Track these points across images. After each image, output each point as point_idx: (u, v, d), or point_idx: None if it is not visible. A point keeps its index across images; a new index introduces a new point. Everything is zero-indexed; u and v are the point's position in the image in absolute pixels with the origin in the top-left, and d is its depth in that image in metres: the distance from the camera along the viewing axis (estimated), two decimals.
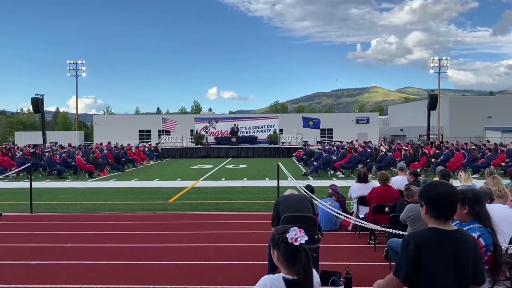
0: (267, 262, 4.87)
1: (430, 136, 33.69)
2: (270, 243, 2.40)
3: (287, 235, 2.24)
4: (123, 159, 22.82)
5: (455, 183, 8.03)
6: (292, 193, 5.56)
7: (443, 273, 2.25)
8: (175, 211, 10.37)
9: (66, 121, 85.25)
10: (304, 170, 20.01)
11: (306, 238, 2.24)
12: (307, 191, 7.46)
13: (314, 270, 2.36)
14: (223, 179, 17.47)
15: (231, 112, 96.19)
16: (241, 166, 23.94)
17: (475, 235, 2.92)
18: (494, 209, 4.48)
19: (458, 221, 3.21)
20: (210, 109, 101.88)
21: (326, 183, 14.85)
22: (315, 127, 35.68)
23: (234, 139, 34.06)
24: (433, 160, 19.56)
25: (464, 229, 2.75)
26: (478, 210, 3.18)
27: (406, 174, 8.23)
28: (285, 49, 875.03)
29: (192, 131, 39.00)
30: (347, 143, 27.42)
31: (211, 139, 36.08)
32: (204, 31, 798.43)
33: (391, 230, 5.26)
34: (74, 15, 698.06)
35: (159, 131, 44.31)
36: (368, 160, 19.82)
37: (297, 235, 2.23)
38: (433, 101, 31.76)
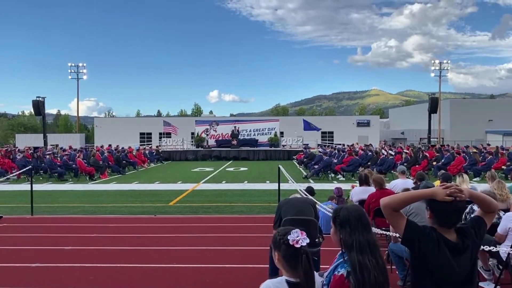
0: (268, 265, 4.86)
1: (431, 139, 33.66)
2: (271, 244, 2.38)
3: (288, 237, 2.22)
4: (124, 161, 22.82)
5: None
6: (295, 196, 5.58)
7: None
8: (176, 214, 10.36)
9: (67, 123, 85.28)
10: (304, 173, 20.00)
11: (308, 240, 2.22)
12: (307, 194, 7.47)
13: (316, 273, 2.34)
14: (223, 181, 17.47)
15: (232, 115, 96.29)
16: (242, 168, 23.94)
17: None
18: None
19: None
20: (211, 112, 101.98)
21: (326, 186, 14.85)
22: (316, 128, 35.91)
23: (234, 142, 34.07)
24: (434, 163, 19.56)
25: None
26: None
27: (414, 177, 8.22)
28: (286, 53, 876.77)
29: (193, 133, 39.02)
30: (348, 146, 27.41)
31: (211, 141, 36.08)
32: (206, 34, 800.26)
33: (391, 233, 5.25)
34: (76, 17, 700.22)
35: (160, 133, 44.36)
36: (369, 163, 19.80)
37: (298, 237, 2.21)
38: (434, 104, 31.73)
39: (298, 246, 2.20)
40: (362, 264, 2.22)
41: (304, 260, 2.19)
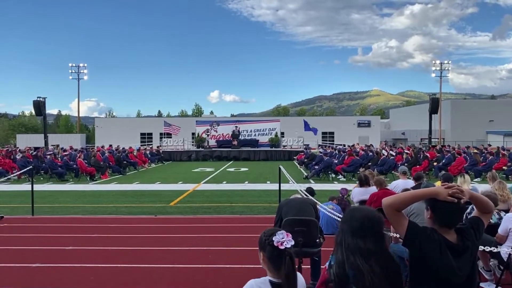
0: None
1: (432, 139, 33.63)
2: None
3: (274, 238, 2.23)
4: (125, 162, 22.84)
5: None
6: (295, 197, 5.57)
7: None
8: (176, 214, 10.36)
9: (67, 123, 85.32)
10: (305, 174, 19.99)
11: (293, 242, 2.23)
12: (307, 194, 7.45)
13: (299, 274, 2.35)
14: (224, 182, 17.47)
15: (232, 115, 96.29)
16: (242, 169, 23.94)
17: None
18: None
19: None
20: (211, 112, 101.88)
21: (327, 186, 14.85)
22: (314, 131, 35.95)
23: (235, 142, 34.09)
24: (435, 163, 19.53)
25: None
26: None
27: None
28: (287, 53, 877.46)
29: (193, 134, 39.04)
30: (349, 146, 27.40)
31: (212, 142, 36.10)
32: (207, 35, 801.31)
33: (392, 234, 5.24)
34: (77, 17, 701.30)
35: (161, 134, 44.36)
36: (369, 163, 19.79)
37: (283, 239, 2.21)
38: (434, 105, 31.68)
39: (282, 247, 2.20)
40: (354, 265, 2.20)
41: (287, 262, 2.20)
